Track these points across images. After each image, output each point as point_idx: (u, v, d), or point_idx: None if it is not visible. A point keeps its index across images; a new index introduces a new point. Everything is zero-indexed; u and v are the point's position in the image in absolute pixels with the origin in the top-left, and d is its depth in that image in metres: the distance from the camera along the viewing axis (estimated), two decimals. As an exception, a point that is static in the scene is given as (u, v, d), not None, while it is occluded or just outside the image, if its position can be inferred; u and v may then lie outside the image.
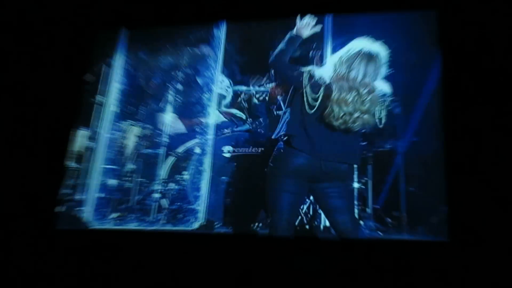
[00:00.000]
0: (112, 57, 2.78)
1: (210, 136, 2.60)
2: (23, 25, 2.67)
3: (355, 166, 2.28)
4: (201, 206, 2.46)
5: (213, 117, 2.63)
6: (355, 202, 2.37)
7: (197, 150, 2.61)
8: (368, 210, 2.36)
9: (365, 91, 1.82)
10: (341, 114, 1.81)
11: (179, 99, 2.76)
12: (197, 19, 2.64)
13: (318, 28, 1.99)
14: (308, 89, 1.85)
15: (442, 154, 2.15)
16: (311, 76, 1.87)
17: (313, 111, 1.86)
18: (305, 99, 1.86)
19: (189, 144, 2.67)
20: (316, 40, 2.40)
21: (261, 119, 2.58)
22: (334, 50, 2.32)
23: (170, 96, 2.73)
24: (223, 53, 2.66)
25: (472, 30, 2.27)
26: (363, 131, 1.93)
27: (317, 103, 1.84)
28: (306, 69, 1.89)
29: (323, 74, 1.88)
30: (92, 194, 2.59)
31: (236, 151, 2.55)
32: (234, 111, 2.73)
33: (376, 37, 2.18)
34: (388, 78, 2.16)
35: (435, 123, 2.23)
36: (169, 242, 2.34)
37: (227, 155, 2.57)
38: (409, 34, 2.41)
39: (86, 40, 2.66)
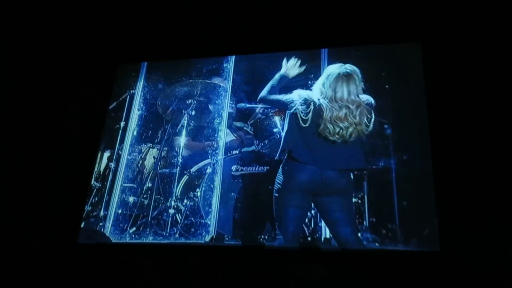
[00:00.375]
0: (134, 87, 2.91)
1: (220, 156, 2.66)
2: (60, 60, 2.89)
3: (353, 180, 2.34)
4: (212, 220, 2.52)
5: (223, 139, 2.72)
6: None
7: (209, 170, 2.67)
8: (365, 223, 2.38)
9: (354, 106, 2.03)
10: (337, 130, 2.01)
11: (193, 124, 2.85)
12: (210, 54, 2.86)
13: (302, 68, 2.22)
14: (299, 107, 2.05)
15: (431, 170, 2.28)
16: (300, 97, 2.08)
17: (307, 124, 2.04)
18: (298, 116, 2.05)
19: (201, 164, 2.72)
20: (314, 70, 2.56)
21: (266, 141, 2.64)
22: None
23: (185, 122, 2.81)
24: (232, 83, 2.78)
25: (453, 57, 2.42)
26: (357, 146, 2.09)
27: (309, 117, 2.03)
28: (295, 92, 2.11)
29: (310, 94, 2.09)
30: (112, 210, 2.65)
31: (243, 170, 2.61)
32: (241, 124, 2.76)
33: (366, 66, 2.39)
34: (379, 102, 2.37)
35: (423, 142, 2.35)
36: (183, 254, 2.42)
37: (236, 173, 2.62)
38: (397, 63, 2.53)
39: (112, 72, 2.91)
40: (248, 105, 2.67)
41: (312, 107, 2.02)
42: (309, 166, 2.01)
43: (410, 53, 2.53)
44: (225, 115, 2.75)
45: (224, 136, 2.70)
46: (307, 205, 2.09)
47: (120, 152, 2.78)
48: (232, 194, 2.58)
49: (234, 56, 2.83)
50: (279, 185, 2.05)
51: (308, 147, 2.03)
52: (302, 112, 2.03)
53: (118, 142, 2.81)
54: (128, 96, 2.90)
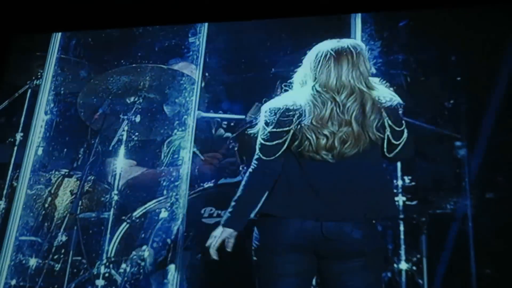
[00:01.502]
0: (40, 75, 2.80)
1: (183, 192, 2.55)
2: None
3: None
4: None
5: (187, 164, 2.58)
6: (404, 293, 2.43)
7: (164, 214, 2.57)
8: None
9: (344, 95, 1.81)
10: (323, 142, 1.80)
11: (137, 138, 2.76)
12: (167, 21, 2.71)
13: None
14: (261, 129, 1.87)
15: None
16: (270, 111, 1.89)
17: (272, 142, 1.86)
18: (258, 142, 1.87)
19: (151, 204, 2.63)
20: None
21: None
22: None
23: (124, 134, 2.68)
24: (203, 70, 2.67)
25: None
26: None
27: (283, 141, 1.85)
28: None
29: (279, 101, 1.90)
30: (0, 280, 2.51)
31: (222, 214, 2.40)
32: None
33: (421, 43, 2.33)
34: (442, 104, 2.40)
35: None
36: None
37: (209, 221, 2.52)
38: (475, 40, 2.46)
39: (3, 49, 2.76)
40: (213, 115, 2.66)
41: (295, 120, 1.85)
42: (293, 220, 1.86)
43: (498, 23, 2.44)
44: (191, 123, 2.60)
45: (190, 158, 2.57)
46: (307, 270, 1.89)
47: (14, 183, 2.69)
48: (202, 256, 2.46)
49: (206, 25, 2.69)
50: (257, 244, 1.88)
51: (287, 188, 1.87)
52: (263, 133, 1.88)
53: (11, 167, 2.71)
54: (30, 90, 2.80)
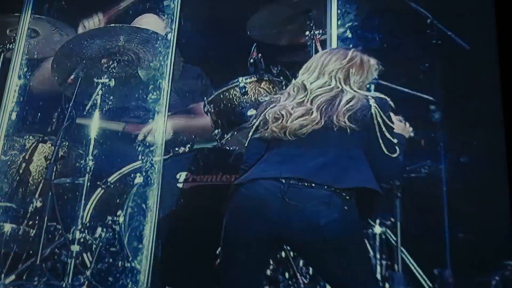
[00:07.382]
0: (13, 38, 2.78)
1: (158, 157, 2.56)
2: None
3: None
4: (143, 263, 2.40)
5: (162, 129, 2.59)
6: (377, 256, 2.36)
7: (138, 179, 2.59)
8: (397, 268, 2.31)
9: (316, 83, 1.89)
10: (279, 121, 1.88)
11: (112, 103, 2.75)
12: None
13: None
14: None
15: (506, 182, 2.12)
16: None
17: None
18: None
19: (126, 169, 2.66)
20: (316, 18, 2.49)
21: (234, 131, 2.50)
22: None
23: (98, 98, 2.66)
24: (177, 33, 2.66)
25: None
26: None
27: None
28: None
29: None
30: None
31: (197, 179, 2.53)
32: None
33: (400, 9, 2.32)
34: (419, 68, 2.45)
35: (495, 135, 2.26)
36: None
37: (184, 185, 2.55)
38: (454, 5, 2.50)
39: None
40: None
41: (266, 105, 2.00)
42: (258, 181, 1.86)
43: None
44: (166, 86, 2.60)
45: (165, 123, 2.58)
46: (259, 264, 1.94)
47: (-14, 149, 2.70)
48: (178, 221, 2.51)
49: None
50: (225, 220, 1.92)
51: (259, 163, 1.94)
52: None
53: (-16, 132, 2.69)
54: (2, 54, 2.80)
